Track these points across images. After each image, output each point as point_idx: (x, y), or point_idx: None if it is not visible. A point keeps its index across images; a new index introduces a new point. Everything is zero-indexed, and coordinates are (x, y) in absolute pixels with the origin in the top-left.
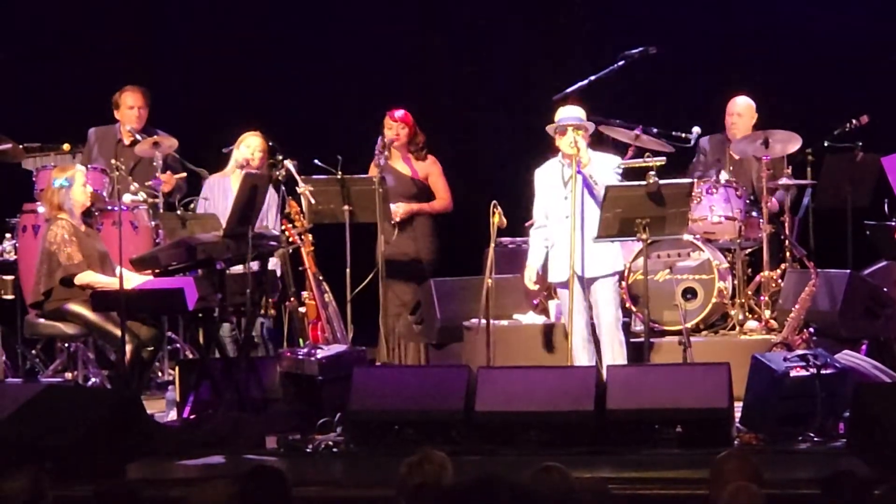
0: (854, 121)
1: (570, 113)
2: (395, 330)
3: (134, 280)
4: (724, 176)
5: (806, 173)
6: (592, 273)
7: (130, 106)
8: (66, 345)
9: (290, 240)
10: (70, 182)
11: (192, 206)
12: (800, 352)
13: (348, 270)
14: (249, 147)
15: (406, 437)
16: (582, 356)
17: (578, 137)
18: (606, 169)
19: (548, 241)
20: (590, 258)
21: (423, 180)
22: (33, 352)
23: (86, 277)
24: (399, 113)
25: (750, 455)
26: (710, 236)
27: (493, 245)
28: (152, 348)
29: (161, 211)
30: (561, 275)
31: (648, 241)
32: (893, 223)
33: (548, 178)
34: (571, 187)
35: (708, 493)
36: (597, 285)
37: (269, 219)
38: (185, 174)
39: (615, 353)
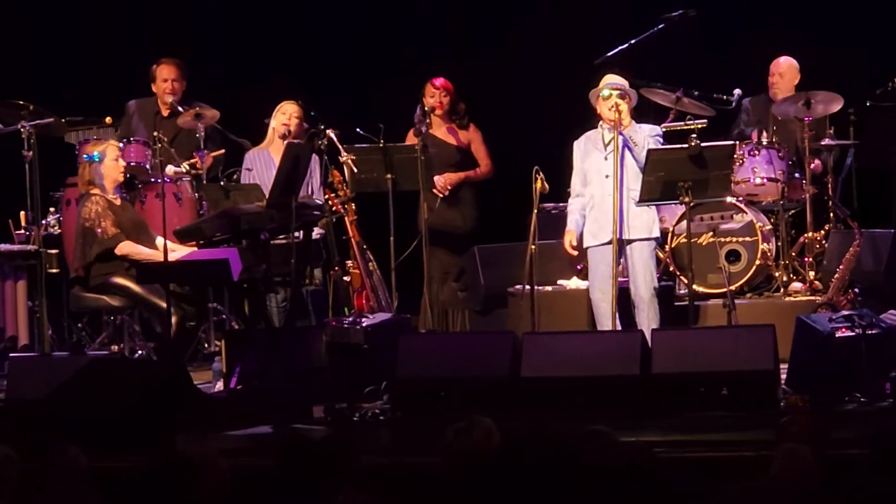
0: None
1: (613, 80)
2: (438, 298)
3: (177, 252)
4: (764, 138)
5: (848, 133)
6: (631, 235)
7: (165, 79)
8: (112, 317)
9: (334, 209)
10: (101, 157)
11: (235, 177)
12: (845, 312)
13: (392, 239)
14: (286, 114)
15: (452, 403)
16: (614, 321)
17: (620, 101)
18: (645, 135)
19: (584, 210)
20: (628, 221)
21: (465, 148)
22: (79, 325)
23: (125, 248)
24: (440, 80)
25: (815, 418)
26: (753, 198)
27: (535, 211)
28: (195, 321)
29: (205, 182)
30: (600, 237)
31: (691, 204)
32: None
33: (587, 145)
34: (613, 149)
35: (753, 454)
36: (634, 248)
37: (312, 186)
38: (222, 151)
39: (650, 318)
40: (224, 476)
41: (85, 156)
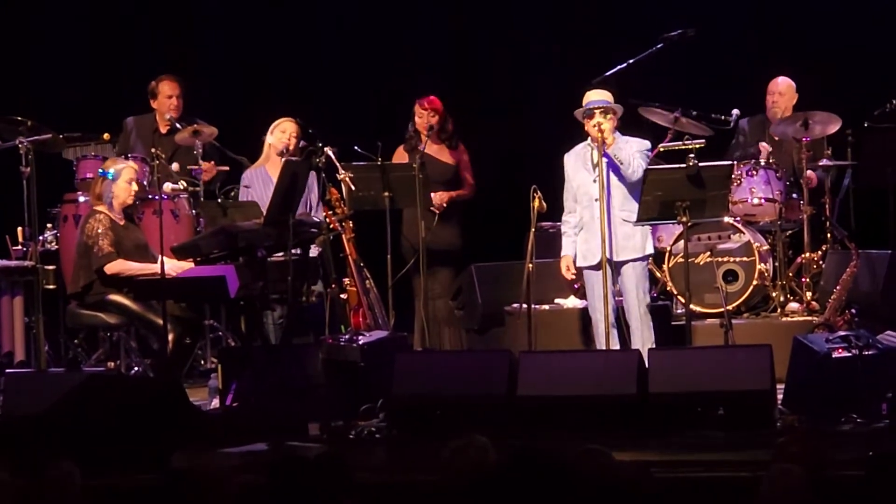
0: (894, 101)
1: (596, 97)
2: (434, 316)
3: (175, 267)
4: (763, 146)
5: (846, 154)
6: (621, 257)
7: (168, 95)
8: (109, 334)
9: (331, 226)
10: (115, 176)
11: (232, 194)
12: (842, 333)
13: (389, 257)
14: (285, 132)
15: (448, 421)
16: (609, 341)
17: (603, 119)
18: (631, 150)
19: (576, 228)
20: (618, 242)
21: (455, 167)
22: (75, 341)
23: (115, 266)
24: (428, 100)
25: (812, 439)
26: (751, 218)
27: (533, 230)
28: (191, 338)
29: (202, 199)
30: (589, 259)
31: (689, 224)
32: None
33: (576, 163)
34: (599, 171)
35: (750, 475)
36: (625, 269)
37: (311, 202)
38: (227, 168)
39: (644, 337)
40: (233, 492)
41: (101, 170)
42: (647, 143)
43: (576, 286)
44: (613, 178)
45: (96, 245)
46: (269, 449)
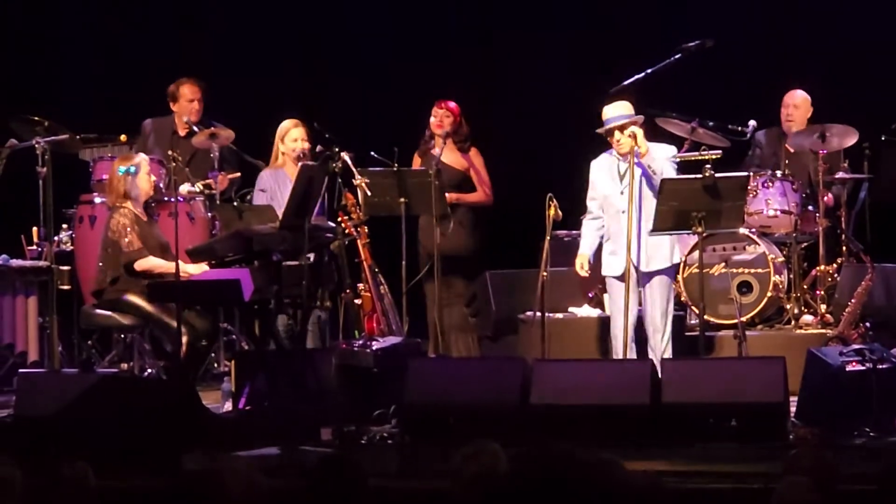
0: None
1: (615, 112)
2: (447, 323)
3: (193, 271)
4: (778, 173)
5: (863, 167)
6: (651, 267)
7: (190, 99)
8: (122, 335)
9: (347, 232)
10: (136, 170)
11: (248, 197)
12: (856, 346)
13: (404, 262)
14: (296, 140)
15: (461, 428)
16: (626, 352)
17: (635, 129)
18: (662, 159)
19: (601, 231)
20: (648, 252)
21: (465, 171)
22: (89, 342)
23: (146, 263)
24: (445, 102)
25: (823, 452)
26: (766, 230)
27: (548, 238)
28: (206, 341)
29: (218, 202)
30: (616, 269)
31: (704, 235)
32: None
33: (603, 172)
34: (629, 181)
35: (761, 487)
36: (653, 280)
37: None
38: (238, 174)
39: (662, 348)
40: (243, 496)
41: (119, 169)
42: (672, 149)
43: (590, 294)
44: (644, 188)
45: (123, 239)
46: (282, 453)
